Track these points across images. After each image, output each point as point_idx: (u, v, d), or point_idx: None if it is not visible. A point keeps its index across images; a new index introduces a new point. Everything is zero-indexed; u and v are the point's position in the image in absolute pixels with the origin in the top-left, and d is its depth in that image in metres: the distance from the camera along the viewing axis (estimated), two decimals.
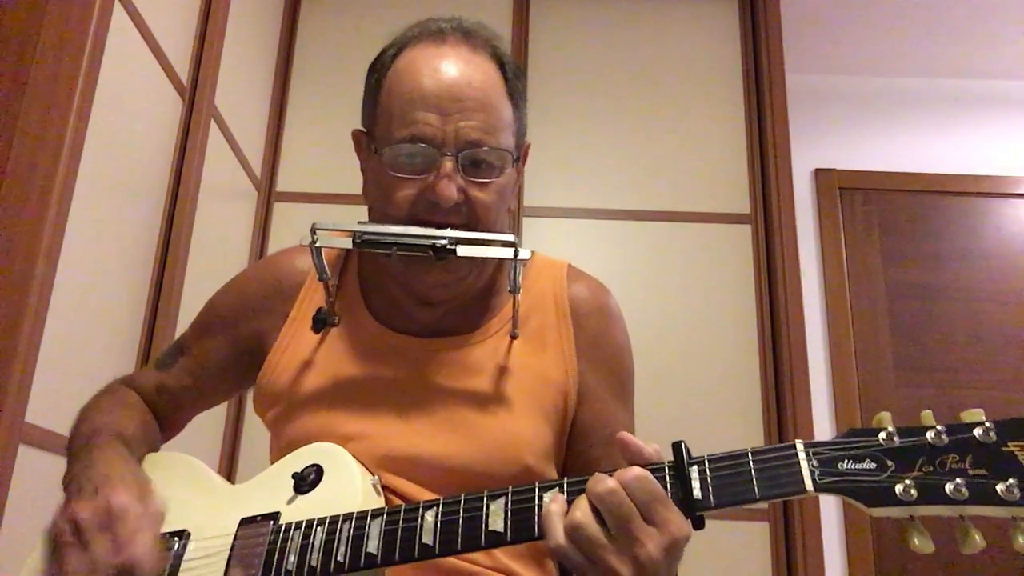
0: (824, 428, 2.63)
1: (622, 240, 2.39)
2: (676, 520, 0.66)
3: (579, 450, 0.92)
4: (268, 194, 2.40)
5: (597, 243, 2.39)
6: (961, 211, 2.93)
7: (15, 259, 1.29)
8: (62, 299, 1.37)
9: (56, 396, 1.34)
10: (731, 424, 2.22)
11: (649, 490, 0.66)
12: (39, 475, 1.29)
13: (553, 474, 0.91)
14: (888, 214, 2.92)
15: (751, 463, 0.67)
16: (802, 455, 0.67)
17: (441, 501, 0.73)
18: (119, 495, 0.74)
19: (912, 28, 2.87)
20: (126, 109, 1.60)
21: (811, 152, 2.96)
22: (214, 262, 2.00)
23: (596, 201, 2.43)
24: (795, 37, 2.72)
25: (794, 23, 2.70)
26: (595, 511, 0.66)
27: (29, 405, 1.28)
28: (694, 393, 2.24)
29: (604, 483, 0.66)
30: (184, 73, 1.86)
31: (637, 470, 0.67)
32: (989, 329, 2.80)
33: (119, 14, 1.53)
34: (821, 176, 2.96)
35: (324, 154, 2.44)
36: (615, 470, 0.69)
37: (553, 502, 0.69)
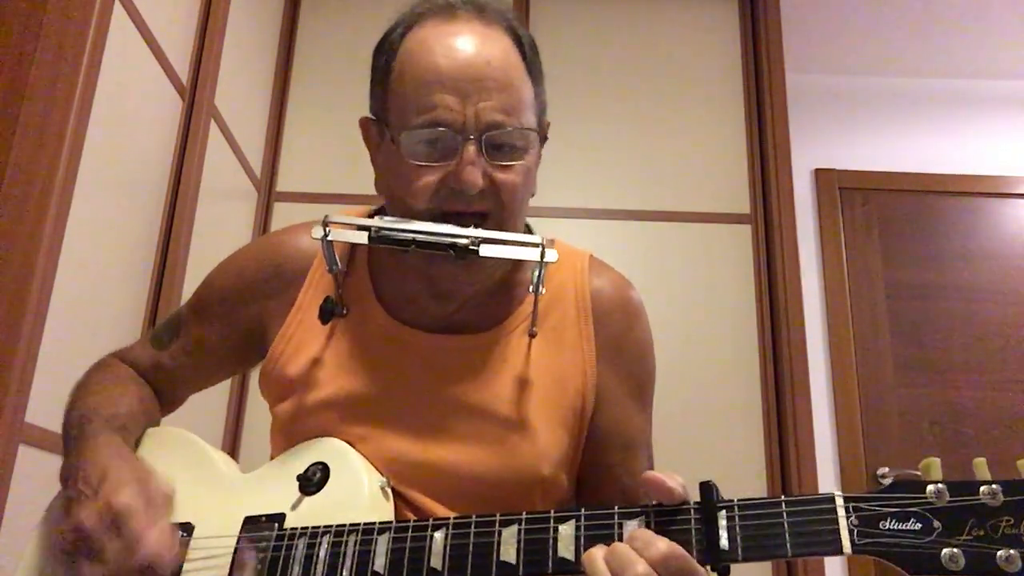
0: (824, 429, 2.63)
1: (622, 240, 2.39)
2: None
3: (594, 454, 0.89)
4: (268, 194, 2.40)
5: (597, 243, 2.36)
6: (961, 211, 2.93)
7: (15, 259, 1.29)
8: (62, 299, 1.36)
9: (56, 396, 1.33)
10: (731, 424, 2.22)
11: (680, 568, 0.62)
12: (39, 475, 1.29)
13: (566, 481, 0.87)
14: (888, 214, 2.92)
15: (784, 514, 0.63)
16: (841, 510, 0.62)
17: (451, 521, 0.71)
18: (120, 495, 0.73)
19: (912, 28, 2.87)
20: (126, 109, 1.60)
21: (811, 152, 2.96)
22: (214, 262, 1.99)
23: (596, 201, 2.43)
24: (795, 37, 2.72)
25: (794, 23, 2.69)
26: None
27: (29, 405, 1.27)
28: (694, 393, 2.24)
29: (634, 569, 0.61)
30: (184, 73, 1.86)
31: (664, 547, 0.62)
32: (989, 329, 2.80)
33: (119, 14, 1.53)
34: (821, 176, 2.96)
35: (324, 154, 2.44)
36: (634, 531, 0.65)
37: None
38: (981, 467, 0.62)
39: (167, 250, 1.78)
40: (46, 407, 1.31)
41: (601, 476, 0.89)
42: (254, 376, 0.97)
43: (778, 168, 2.38)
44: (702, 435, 2.18)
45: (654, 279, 2.34)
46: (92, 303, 1.50)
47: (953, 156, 2.99)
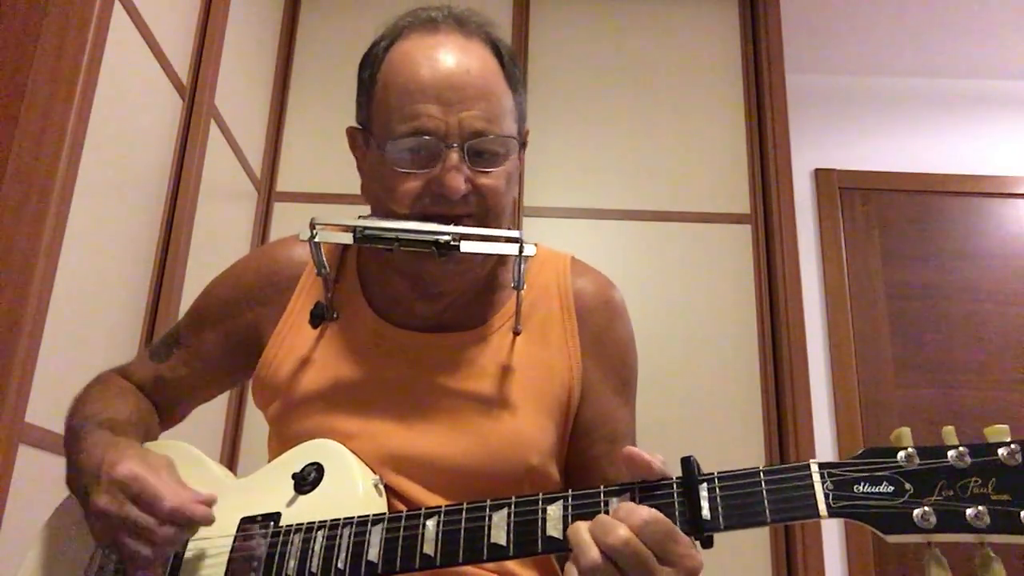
0: (824, 429, 2.63)
1: (622, 240, 2.39)
2: (690, 554, 0.64)
3: (580, 448, 0.91)
4: (268, 194, 2.40)
5: (597, 243, 2.39)
6: (961, 211, 2.93)
7: (15, 259, 1.29)
8: (62, 299, 1.37)
9: (56, 396, 1.34)
10: (731, 425, 2.22)
11: (662, 531, 0.64)
12: (39, 475, 1.29)
13: (556, 473, 0.90)
14: (888, 214, 2.92)
15: (763, 483, 0.65)
16: (816, 476, 0.64)
17: (443, 509, 0.72)
18: (120, 466, 0.75)
19: (912, 28, 2.87)
20: (126, 109, 1.60)
21: (811, 152, 2.96)
22: (214, 262, 2.00)
23: (596, 201, 2.43)
24: (795, 37, 2.72)
25: (794, 23, 2.70)
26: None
27: (29, 405, 1.28)
28: (694, 393, 2.24)
29: (616, 534, 0.63)
30: (184, 73, 1.86)
31: (646, 513, 0.64)
32: (989, 329, 2.80)
33: (119, 14, 1.53)
34: (821, 176, 2.96)
35: (324, 154, 2.44)
36: (618, 504, 0.66)
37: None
38: (949, 434, 0.64)
39: (167, 250, 1.78)
40: (46, 407, 1.31)
41: (587, 469, 0.92)
42: (251, 391, 0.98)
43: (778, 168, 2.39)
44: (702, 435, 2.19)
45: (654, 279, 2.35)
46: (92, 303, 1.51)
47: (953, 156, 3.00)
